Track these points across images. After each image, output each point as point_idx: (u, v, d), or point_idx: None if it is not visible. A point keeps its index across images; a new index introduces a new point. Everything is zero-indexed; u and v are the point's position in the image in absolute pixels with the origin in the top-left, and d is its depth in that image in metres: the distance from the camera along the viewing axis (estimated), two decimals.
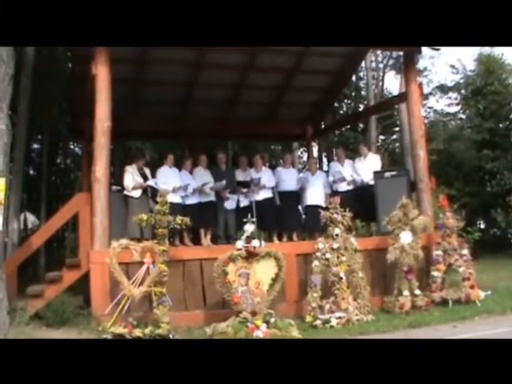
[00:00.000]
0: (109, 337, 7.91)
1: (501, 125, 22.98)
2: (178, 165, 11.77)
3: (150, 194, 10.91)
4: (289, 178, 12.55)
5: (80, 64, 11.19)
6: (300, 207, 12.70)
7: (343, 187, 12.21)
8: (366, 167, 12.22)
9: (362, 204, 11.62)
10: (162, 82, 13.45)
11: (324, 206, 11.70)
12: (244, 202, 11.91)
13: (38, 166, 20.10)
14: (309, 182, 12.52)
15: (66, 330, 8.63)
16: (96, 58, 9.71)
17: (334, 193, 11.91)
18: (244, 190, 11.92)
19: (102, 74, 9.75)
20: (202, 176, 11.79)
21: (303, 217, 12.73)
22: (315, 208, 11.84)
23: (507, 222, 21.48)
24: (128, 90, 13.11)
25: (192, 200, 11.43)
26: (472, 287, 10.07)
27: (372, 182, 11.88)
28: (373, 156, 12.92)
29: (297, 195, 12.63)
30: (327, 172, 13.28)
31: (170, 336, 8.12)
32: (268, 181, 12.20)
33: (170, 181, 11.09)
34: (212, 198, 11.74)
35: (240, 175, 12.38)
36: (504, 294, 10.55)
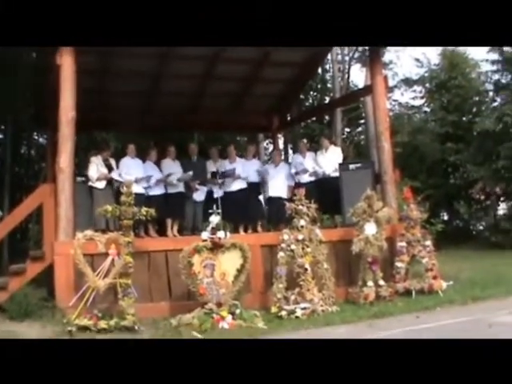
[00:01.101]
0: (73, 329, 7.86)
1: (464, 118, 23.35)
2: (143, 156, 11.73)
3: (115, 185, 10.86)
4: (251, 170, 12.57)
5: (44, 54, 11.06)
6: (262, 198, 12.77)
7: (305, 179, 12.24)
8: (328, 160, 12.30)
9: (324, 196, 11.66)
10: (128, 73, 13.32)
11: (286, 197, 11.82)
12: (218, 193, 11.86)
13: (1, 156, 19.79)
14: (269, 173, 12.60)
15: (29, 323, 8.53)
16: (60, 48, 9.59)
17: (297, 184, 11.95)
18: (220, 181, 11.90)
19: (66, 64, 9.63)
20: (171, 167, 11.76)
21: (265, 207, 12.80)
22: (277, 200, 11.95)
23: (470, 213, 21.86)
24: (94, 80, 12.98)
25: (156, 191, 11.40)
26: (435, 278, 10.23)
27: (333, 174, 11.99)
28: (334, 148, 12.98)
29: (258, 186, 12.71)
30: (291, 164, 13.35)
31: (136, 328, 8.11)
32: (242, 171, 12.24)
33: (133, 171, 11.04)
34: (180, 189, 11.72)
35: (211, 166, 12.39)
36: (465, 285, 10.74)
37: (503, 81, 21.52)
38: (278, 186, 12.40)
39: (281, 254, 9.50)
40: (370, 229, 10.04)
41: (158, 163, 11.88)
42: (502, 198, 21.76)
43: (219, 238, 8.87)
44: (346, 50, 26.88)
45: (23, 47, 13.60)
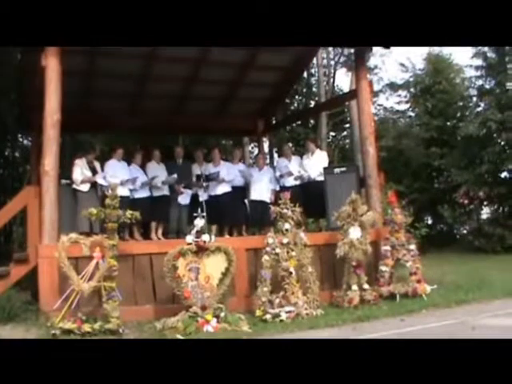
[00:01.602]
0: (57, 332, 7.83)
1: (448, 123, 23.51)
2: (129, 159, 11.72)
3: (99, 188, 10.83)
4: (236, 174, 12.60)
5: (29, 55, 11.01)
6: (246, 201, 12.80)
7: (290, 182, 12.29)
8: (313, 163, 12.31)
9: (309, 200, 11.68)
10: (113, 74, 13.30)
11: (268, 201, 11.87)
12: (203, 197, 11.87)
13: None
14: (253, 176, 12.65)
15: (13, 326, 8.48)
16: (46, 48, 9.54)
17: (282, 188, 11.99)
18: (204, 184, 11.91)
19: (51, 65, 9.58)
20: (156, 170, 11.77)
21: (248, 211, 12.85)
22: (259, 203, 12.01)
23: (454, 218, 21.95)
24: (79, 82, 12.94)
25: (141, 194, 11.41)
26: (419, 281, 10.26)
27: (319, 178, 12.00)
28: (320, 152, 12.98)
29: (243, 190, 12.72)
30: (275, 168, 13.36)
31: (120, 331, 8.09)
32: (227, 174, 12.24)
33: (119, 174, 11.05)
34: (165, 192, 11.74)
35: (197, 170, 12.39)
36: (449, 288, 10.81)
37: (487, 86, 21.66)
38: (261, 189, 12.46)
39: (265, 257, 9.49)
40: (355, 233, 10.06)
41: (143, 166, 11.87)
42: (485, 203, 21.87)
43: (204, 242, 8.86)
44: (332, 54, 27.03)
45: (7, 47, 13.55)
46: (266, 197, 12.29)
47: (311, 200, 11.69)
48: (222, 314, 8.53)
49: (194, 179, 12.17)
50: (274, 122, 18.09)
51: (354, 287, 9.88)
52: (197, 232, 8.92)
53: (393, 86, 27.04)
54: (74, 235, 8.64)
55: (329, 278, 10.64)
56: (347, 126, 27.44)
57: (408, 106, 26.48)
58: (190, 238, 8.92)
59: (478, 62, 21.43)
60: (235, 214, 12.23)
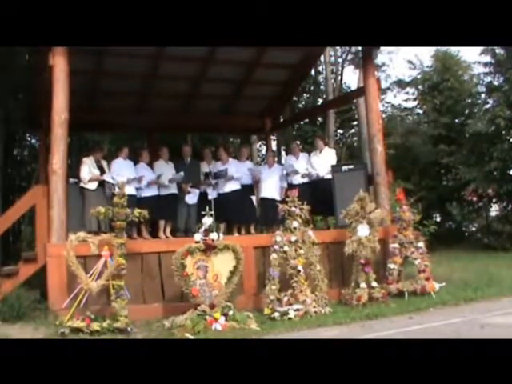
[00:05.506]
0: (66, 331, 7.85)
1: (456, 120, 23.46)
2: (136, 158, 11.72)
3: (106, 187, 10.84)
4: (244, 172, 12.56)
5: (37, 54, 11.04)
6: (254, 200, 12.77)
7: (297, 180, 12.25)
8: (322, 161, 12.28)
9: (317, 198, 11.66)
10: (121, 73, 13.32)
11: (279, 199, 11.83)
12: (212, 195, 11.84)
13: None
14: (262, 174, 12.64)
15: (22, 325, 8.51)
16: (53, 48, 9.56)
17: (290, 186, 11.96)
18: (213, 182, 11.91)
19: (59, 64, 9.61)
20: (163, 169, 11.74)
21: (258, 208, 12.81)
22: (270, 201, 11.98)
23: (462, 215, 21.90)
24: (86, 81, 12.96)
25: (148, 192, 11.39)
26: (427, 279, 10.24)
27: (327, 176, 11.99)
28: (329, 150, 12.95)
29: (251, 188, 12.70)
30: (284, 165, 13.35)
31: (129, 329, 8.10)
32: (235, 172, 12.22)
33: (124, 173, 11.00)
34: (173, 190, 11.72)
35: (205, 168, 12.39)
36: (458, 286, 10.78)
37: (495, 83, 21.56)
38: (271, 187, 12.43)
39: (274, 255, 9.48)
40: (363, 230, 10.04)
41: (151, 165, 11.87)
42: (494, 200, 21.82)
43: (212, 240, 8.86)
44: (339, 51, 26.97)
45: (15, 47, 13.59)
46: (276, 194, 12.25)
47: (319, 198, 11.66)
48: (231, 312, 8.53)
49: (202, 177, 12.17)
50: (281, 120, 18.11)
51: (363, 285, 9.87)
52: (205, 230, 8.92)
53: (400, 84, 26.98)
54: (82, 234, 8.66)
55: (337, 276, 10.64)
56: (355, 123, 27.36)
57: (416, 103, 26.46)
58: (198, 237, 8.92)
59: (487, 58, 21.35)
60: (244, 212, 12.19)
